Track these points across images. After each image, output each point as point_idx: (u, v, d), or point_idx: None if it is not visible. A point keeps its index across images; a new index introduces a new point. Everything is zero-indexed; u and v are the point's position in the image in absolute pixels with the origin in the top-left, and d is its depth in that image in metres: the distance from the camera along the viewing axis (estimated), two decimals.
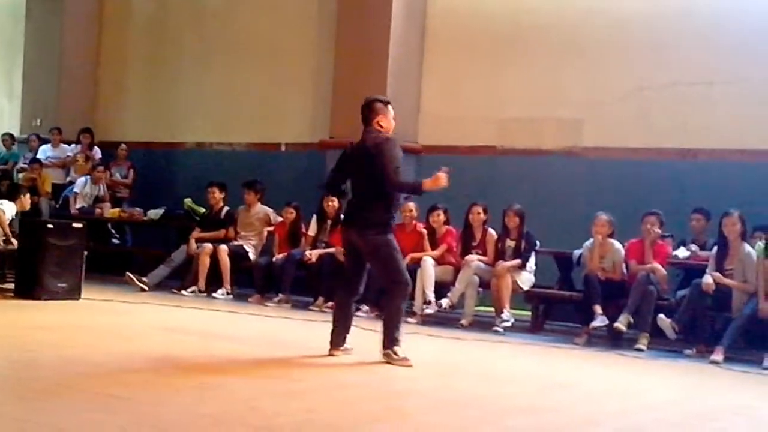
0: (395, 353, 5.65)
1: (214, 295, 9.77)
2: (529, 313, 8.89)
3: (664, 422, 4.56)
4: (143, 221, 11.54)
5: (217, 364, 5.41)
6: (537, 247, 8.77)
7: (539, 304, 8.84)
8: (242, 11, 12.20)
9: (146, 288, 9.80)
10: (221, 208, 10.54)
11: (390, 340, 5.69)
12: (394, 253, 5.82)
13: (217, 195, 10.50)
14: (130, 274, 9.94)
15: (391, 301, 5.85)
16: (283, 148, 11.67)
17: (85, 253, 8.69)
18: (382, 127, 5.99)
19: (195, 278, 9.98)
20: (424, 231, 9.14)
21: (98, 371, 4.82)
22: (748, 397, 5.74)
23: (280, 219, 10.21)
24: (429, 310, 8.58)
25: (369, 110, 6.01)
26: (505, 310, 8.34)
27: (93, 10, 13.50)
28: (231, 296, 9.80)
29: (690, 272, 8.18)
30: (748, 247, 7.66)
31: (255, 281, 9.91)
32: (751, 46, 9.01)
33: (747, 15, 9.13)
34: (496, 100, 10.10)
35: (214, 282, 9.95)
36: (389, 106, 6.09)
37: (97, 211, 11.54)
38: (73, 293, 8.33)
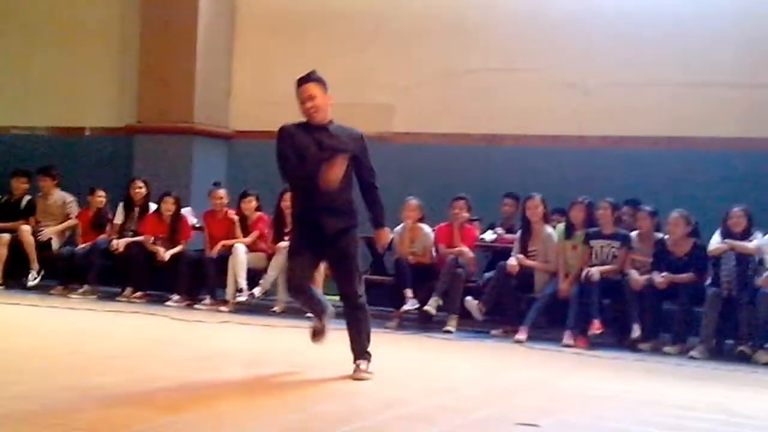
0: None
1: (25, 281, 9.27)
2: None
3: (464, 400, 4.66)
4: None
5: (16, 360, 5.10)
6: None
7: None
8: None
9: None
10: (22, 197, 9.98)
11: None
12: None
13: (23, 184, 9.95)
14: None
15: None
16: (87, 133, 11.16)
17: None
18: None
19: None
20: (236, 217, 8.99)
21: None
22: (546, 373, 5.98)
23: (76, 207, 9.76)
24: (241, 298, 8.46)
25: None
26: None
27: None
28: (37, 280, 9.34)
29: (497, 255, 8.45)
30: (549, 229, 7.99)
31: (58, 272, 9.44)
32: (550, 33, 9.38)
33: (547, 2, 9.48)
34: None
35: (11, 275, 9.43)
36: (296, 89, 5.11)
37: None
38: None
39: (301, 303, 5.29)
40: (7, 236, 9.45)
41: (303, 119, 5.03)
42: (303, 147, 4.92)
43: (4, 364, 4.94)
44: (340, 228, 5.01)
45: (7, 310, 7.74)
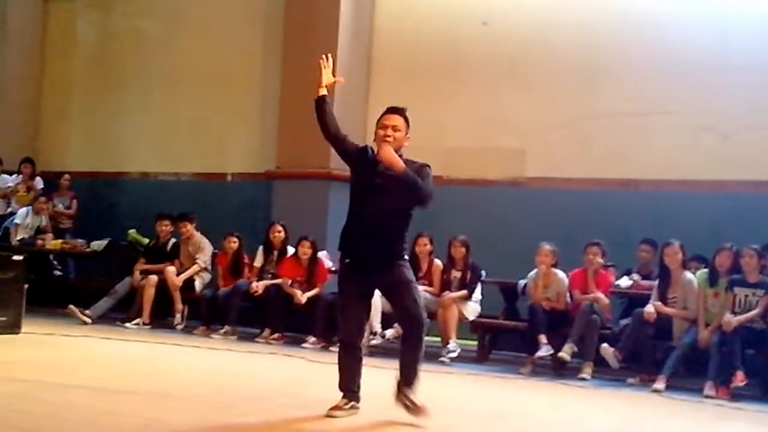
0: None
1: (173, 320, 9.73)
2: (475, 342, 8.91)
3: None
4: (86, 252, 11.36)
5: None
6: (482, 278, 8.81)
7: (485, 334, 8.87)
8: (185, 40, 12.17)
9: (89, 321, 9.65)
10: (168, 240, 10.43)
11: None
12: None
13: (167, 227, 10.40)
14: (72, 307, 9.78)
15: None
16: (229, 178, 11.62)
17: (26, 285, 8.53)
18: None
19: (139, 310, 9.86)
20: None
21: (35, 410, 4.72)
22: (687, 424, 5.82)
23: (206, 255, 10.11)
24: (375, 341, 8.55)
25: None
26: (451, 341, 8.36)
27: (35, 40, 13.32)
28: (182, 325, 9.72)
29: (633, 301, 8.29)
30: (689, 276, 7.79)
31: (200, 312, 9.81)
32: (687, 77, 9.22)
33: (683, 45, 9.34)
34: (439, 130, 10.15)
35: (157, 315, 9.85)
36: (384, 115, 5.17)
37: (39, 242, 11.34)
38: (13, 327, 8.16)
39: (347, 358, 5.08)
40: (155, 278, 9.88)
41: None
42: (374, 174, 4.97)
43: (150, 400, 5.16)
44: (392, 262, 5.01)
45: (154, 348, 8.09)
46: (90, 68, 13.06)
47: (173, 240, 10.41)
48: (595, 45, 9.73)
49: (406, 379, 4.99)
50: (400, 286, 5.00)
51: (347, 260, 5.09)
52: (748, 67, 8.98)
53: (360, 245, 5.00)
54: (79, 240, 11.47)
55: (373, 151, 5.07)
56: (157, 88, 12.30)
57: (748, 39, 9.12)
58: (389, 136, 4.96)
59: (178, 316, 9.81)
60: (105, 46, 12.99)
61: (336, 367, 5.12)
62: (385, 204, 4.95)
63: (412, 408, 4.91)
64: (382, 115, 5.09)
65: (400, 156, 4.98)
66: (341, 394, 5.04)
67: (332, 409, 4.93)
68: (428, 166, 5.07)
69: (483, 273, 8.80)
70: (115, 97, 12.67)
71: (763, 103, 8.88)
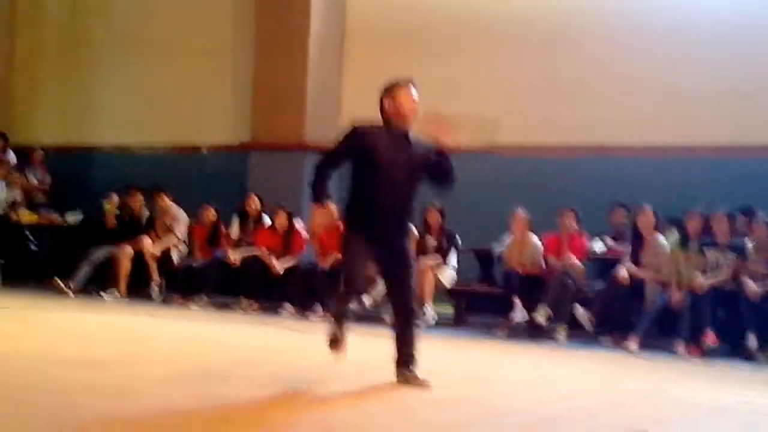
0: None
1: (149, 292, 9.72)
2: (452, 308, 9.01)
3: (578, 410, 4.69)
4: (62, 226, 11.34)
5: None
6: (458, 245, 8.89)
7: (461, 300, 8.97)
8: (155, 10, 12.09)
9: (71, 293, 9.65)
10: (140, 213, 10.41)
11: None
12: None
13: (139, 199, 10.38)
14: (57, 279, 9.77)
15: None
16: (204, 151, 11.60)
17: (1, 261, 8.52)
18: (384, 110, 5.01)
19: (116, 281, 9.86)
20: None
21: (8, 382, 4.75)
22: (658, 383, 5.95)
23: (186, 220, 10.12)
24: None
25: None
26: (426, 306, 8.45)
27: (4, 14, 13.22)
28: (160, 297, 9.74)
29: (606, 265, 8.41)
30: (661, 239, 7.92)
31: (178, 284, 9.82)
32: (654, 42, 9.31)
33: (650, 10, 9.42)
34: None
35: (134, 286, 9.87)
36: (403, 87, 4.99)
37: (14, 216, 11.29)
38: None
39: (345, 306, 4.94)
40: (130, 249, 9.87)
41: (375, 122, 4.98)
42: (392, 149, 4.87)
43: (129, 371, 5.19)
44: (402, 238, 5.02)
45: (131, 321, 8.12)
46: (61, 41, 12.94)
47: (147, 213, 10.40)
48: (564, 12, 9.79)
49: (407, 360, 5.00)
50: (404, 267, 4.99)
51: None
52: (714, 31, 9.07)
53: (377, 224, 4.91)
54: (53, 213, 11.44)
55: (384, 129, 4.95)
56: (130, 60, 12.22)
57: (714, 3, 9.19)
58: (415, 112, 4.94)
59: (156, 287, 9.83)
60: (75, 19, 12.85)
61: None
62: (405, 182, 4.94)
63: (416, 383, 4.93)
64: (403, 87, 4.96)
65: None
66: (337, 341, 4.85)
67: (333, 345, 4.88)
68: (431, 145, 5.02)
69: (458, 240, 8.88)
70: (88, 71, 12.59)
71: (729, 68, 8.98)
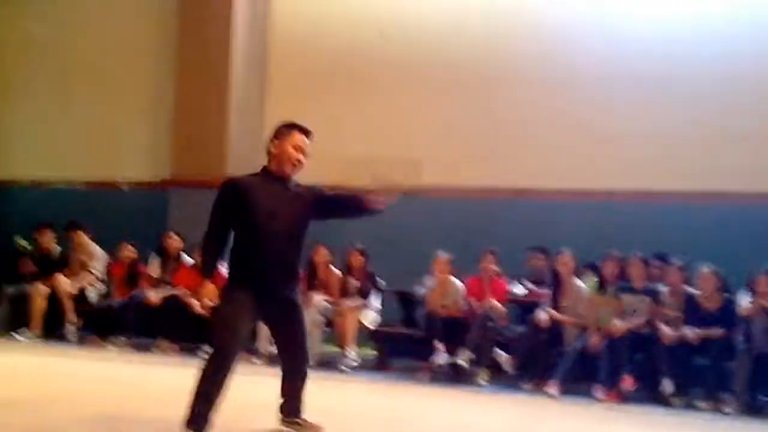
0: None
1: (64, 332, 9.42)
2: (375, 351, 8.99)
3: None
4: None
5: None
6: (381, 287, 8.89)
7: (383, 343, 8.96)
8: (71, 39, 11.91)
9: None
10: (52, 250, 10.16)
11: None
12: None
13: (49, 236, 10.14)
14: None
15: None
16: (124, 188, 11.39)
17: None
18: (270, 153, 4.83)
19: (30, 320, 9.56)
20: None
21: None
22: (578, 427, 6.03)
23: (104, 257, 9.92)
24: (274, 349, 8.52)
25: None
26: (349, 349, 8.42)
27: None
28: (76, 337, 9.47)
29: (527, 308, 8.50)
30: (580, 283, 8.06)
31: (95, 323, 9.56)
32: (577, 87, 9.55)
33: (573, 57, 9.64)
34: (338, 136, 10.18)
35: (49, 326, 9.58)
36: (293, 132, 4.81)
37: None
38: None
39: (220, 378, 4.48)
40: (45, 288, 9.60)
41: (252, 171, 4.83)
42: (272, 198, 4.67)
43: (41, 411, 5.05)
44: (290, 290, 4.80)
45: (45, 362, 7.89)
46: None
47: (59, 248, 10.15)
48: (485, 55, 9.96)
49: (295, 408, 4.92)
50: (295, 314, 4.81)
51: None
52: (633, 77, 9.33)
53: (264, 278, 4.65)
54: None
55: (261, 177, 4.77)
56: (47, 92, 12.00)
57: (634, 47, 9.45)
58: (302, 162, 4.77)
59: (72, 327, 9.54)
60: None
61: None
62: (289, 230, 4.71)
63: (307, 427, 4.91)
64: (293, 132, 4.78)
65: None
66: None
67: None
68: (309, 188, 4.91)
69: (381, 282, 8.89)
70: (4, 102, 12.30)
71: (649, 113, 9.25)
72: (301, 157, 4.74)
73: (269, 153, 4.78)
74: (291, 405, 4.92)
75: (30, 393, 5.75)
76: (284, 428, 4.89)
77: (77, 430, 4.51)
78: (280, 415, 4.95)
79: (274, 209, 4.64)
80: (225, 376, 4.45)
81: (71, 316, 9.57)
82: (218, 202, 4.71)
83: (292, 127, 4.80)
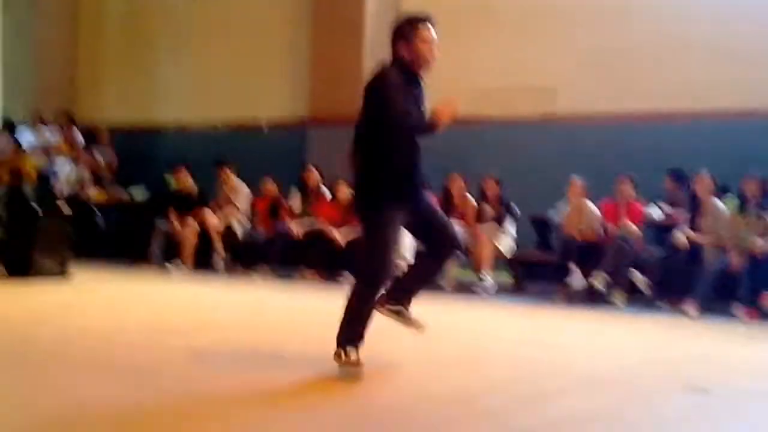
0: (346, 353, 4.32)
1: (213, 264, 9.95)
2: (511, 277, 9.13)
3: (639, 370, 4.81)
4: (129, 202, 11.70)
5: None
6: (516, 213, 8.98)
7: (520, 268, 9.08)
8: None
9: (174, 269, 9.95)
10: (193, 189, 10.60)
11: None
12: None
13: (185, 176, 10.58)
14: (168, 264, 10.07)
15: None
16: (264, 129, 11.82)
17: (72, 236, 8.86)
18: (403, 57, 4.41)
19: (182, 254, 10.14)
20: None
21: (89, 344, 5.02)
22: (717, 345, 6.02)
23: (248, 193, 10.35)
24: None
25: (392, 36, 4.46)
26: (486, 274, 8.58)
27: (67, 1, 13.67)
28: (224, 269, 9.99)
29: (664, 231, 8.43)
30: (719, 204, 7.92)
31: (242, 256, 10.07)
32: (714, 7, 9.25)
33: None
34: (468, 69, 10.25)
35: (199, 259, 10.12)
36: (420, 26, 4.39)
37: (83, 194, 11.66)
38: (63, 273, 8.51)
39: (372, 300, 4.37)
40: (195, 225, 10.12)
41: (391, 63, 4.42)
42: (417, 98, 4.37)
43: (192, 335, 5.43)
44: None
45: (196, 290, 8.41)
46: (122, 25, 13.33)
47: (196, 188, 10.57)
48: None
49: (405, 297, 4.60)
50: (430, 200, 4.64)
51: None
52: None
53: (415, 185, 4.42)
54: (120, 189, 11.83)
55: (402, 75, 4.35)
56: (188, 41, 12.55)
57: None
58: (435, 54, 4.39)
59: (220, 261, 10.06)
60: (135, 3, 13.24)
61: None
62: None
63: (410, 319, 4.63)
64: (419, 27, 4.38)
65: None
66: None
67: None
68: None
69: (516, 209, 8.97)
70: (149, 52, 12.95)
71: None
72: (435, 52, 4.38)
73: (400, 57, 4.38)
74: (402, 293, 4.58)
75: (184, 320, 6.19)
76: (383, 314, 4.54)
77: (239, 356, 4.86)
78: (383, 300, 4.51)
79: (421, 111, 4.38)
80: (375, 297, 4.40)
81: (219, 249, 10.08)
82: (392, 86, 4.28)
83: (415, 21, 4.40)
